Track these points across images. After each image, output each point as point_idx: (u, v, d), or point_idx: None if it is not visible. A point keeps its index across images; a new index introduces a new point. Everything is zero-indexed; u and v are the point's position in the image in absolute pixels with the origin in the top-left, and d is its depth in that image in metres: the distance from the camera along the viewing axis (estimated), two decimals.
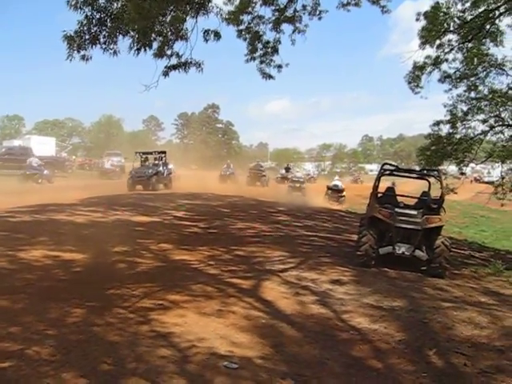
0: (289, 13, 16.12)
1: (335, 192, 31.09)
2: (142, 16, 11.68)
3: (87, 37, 12.92)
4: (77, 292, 6.51)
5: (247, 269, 8.50)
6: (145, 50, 13.06)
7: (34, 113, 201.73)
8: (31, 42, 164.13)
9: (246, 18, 15.94)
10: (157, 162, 30.35)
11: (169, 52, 14.43)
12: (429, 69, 18.69)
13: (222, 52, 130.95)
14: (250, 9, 15.76)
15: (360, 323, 6.01)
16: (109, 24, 12.98)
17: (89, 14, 12.78)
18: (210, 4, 14.16)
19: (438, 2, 16.84)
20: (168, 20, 13.66)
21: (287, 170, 47.05)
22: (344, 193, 31.50)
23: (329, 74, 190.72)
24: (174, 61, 14.55)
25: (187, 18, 14.07)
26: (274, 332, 5.46)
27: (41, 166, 32.17)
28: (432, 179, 10.84)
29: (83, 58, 13.12)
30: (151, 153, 31.68)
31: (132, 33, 12.95)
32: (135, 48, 12.98)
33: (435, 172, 11.12)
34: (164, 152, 30.78)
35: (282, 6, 15.93)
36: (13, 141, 59.83)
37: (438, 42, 17.91)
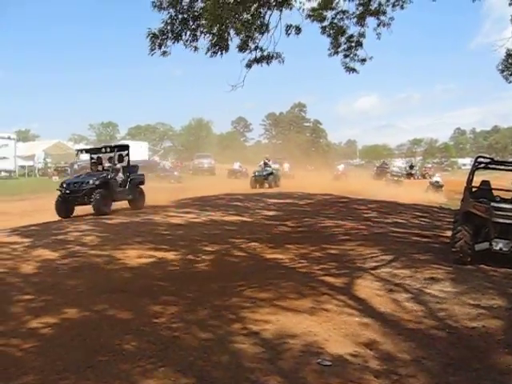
0: (373, 6, 15.90)
1: (436, 187, 36.85)
2: (218, 21, 11.96)
3: (170, 35, 13.50)
4: (171, 290, 6.73)
5: (339, 266, 8.45)
6: (221, 53, 13.39)
7: (127, 119, 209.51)
8: (122, 51, 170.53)
9: (329, 14, 15.89)
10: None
11: (252, 46, 14.69)
12: None
13: (309, 51, 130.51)
14: (333, 4, 15.68)
15: (457, 321, 5.83)
16: (191, 23, 13.46)
17: (173, 14, 13.31)
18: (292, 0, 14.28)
19: None
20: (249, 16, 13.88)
21: (382, 167, 51.63)
22: (443, 187, 36.83)
23: (418, 69, 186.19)
24: (257, 55, 14.84)
25: (271, 13, 14.27)
26: (367, 330, 5.42)
27: (172, 169, 36.50)
28: None
29: (164, 53, 13.82)
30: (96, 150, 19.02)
31: (210, 36, 13.35)
32: (212, 51, 13.35)
33: None
34: (121, 147, 18.73)
35: (366, 0, 15.75)
36: None
37: None
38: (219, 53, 13.46)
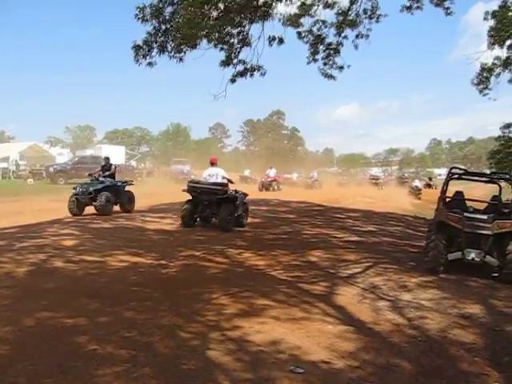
0: (351, 16, 16.16)
1: (415, 190, 43.25)
2: (188, 25, 12.09)
3: (155, 45, 13.59)
4: (145, 295, 6.73)
5: (317, 274, 8.52)
6: (185, 53, 13.55)
7: (105, 123, 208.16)
8: (100, 55, 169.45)
9: (307, 20, 16.10)
10: None
11: (235, 60, 14.85)
12: (498, 70, 18.24)
13: (291, 61, 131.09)
14: (311, 12, 15.89)
15: (430, 330, 5.93)
16: (174, 33, 13.56)
17: (156, 25, 13.37)
18: (273, 11, 14.45)
19: (505, 1, 16.43)
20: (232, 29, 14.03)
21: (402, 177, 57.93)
22: (421, 191, 43.31)
23: (397, 79, 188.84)
24: (240, 68, 14.98)
25: (251, 26, 14.43)
26: (341, 337, 5.47)
27: (189, 172, 41.51)
28: (503, 183, 10.54)
29: (149, 64, 13.94)
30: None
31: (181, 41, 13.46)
32: (179, 54, 13.50)
33: (506, 175, 10.79)
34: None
35: (343, 10, 16.00)
36: (85, 150, 62.07)
37: (508, 42, 17.46)
38: (187, 51, 13.57)
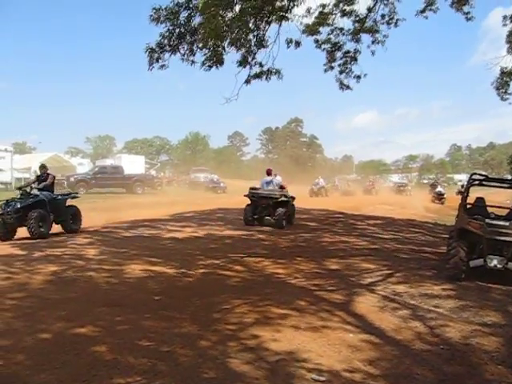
0: (368, 24, 16.15)
1: (439, 195, 43.16)
2: (214, 36, 12.12)
3: (168, 48, 13.67)
4: (167, 305, 6.76)
5: (337, 282, 8.50)
6: (216, 67, 13.54)
7: (125, 132, 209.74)
8: (120, 64, 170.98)
9: (325, 29, 16.14)
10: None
11: (252, 61, 14.88)
12: None
13: (309, 69, 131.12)
14: (329, 21, 15.92)
15: (452, 338, 5.87)
16: (188, 38, 13.64)
17: (170, 28, 13.47)
18: (290, 15, 14.49)
19: None
20: (248, 30, 14.07)
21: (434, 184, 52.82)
22: (445, 195, 43.18)
23: (416, 86, 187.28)
24: (256, 69, 15.03)
25: (269, 28, 14.48)
26: (363, 346, 5.44)
27: (219, 181, 47.71)
28: None
29: (162, 66, 13.99)
30: None
31: (206, 50, 13.53)
32: (207, 65, 13.51)
33: None
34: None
35: (361, 17, 15.99)
36: (105, 160, 62.53)
37: None
38: (214, 66, 13.61)
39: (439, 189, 45.82)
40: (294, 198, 18.08)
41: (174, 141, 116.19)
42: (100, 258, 9.78)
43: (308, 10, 15.40)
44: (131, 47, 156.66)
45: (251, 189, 17.62)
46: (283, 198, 16.81)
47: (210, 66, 13.52)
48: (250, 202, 17.21)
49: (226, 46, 13.52)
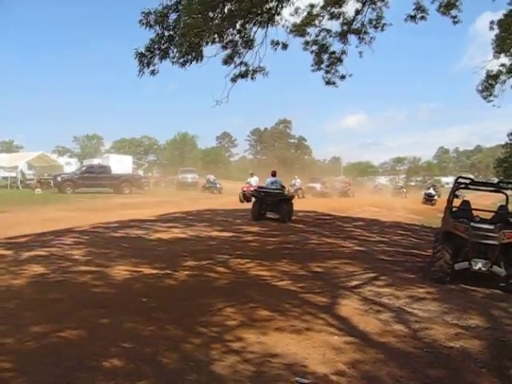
0: (356, 26, 16.27)
1: (429, 197, 44.90)
2: (194, 33, 12.11)
3: (157, 52, 13.63)
4: (151, 307, 6.74)
5: (321, 284, 8.51)
6: (196, 62, 13.56)
7: (112, 132, 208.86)
8: (106, 64, 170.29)
9: (312, 30, 16.22)
10: None
11: (238, 61, 14.93)
12: (503, 77, 18.31)
13: (297, 70, 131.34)
14: (316, 22, 16.00)
15: (435, 341, 5.90)
16: (177, 40, 13.61)
17: (159, 31, 13.44)
18: (278, 17, 14.54)
19: (511, 10, 16.44)
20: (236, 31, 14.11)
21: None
22: (435, 197, 44.67)
23: (404, 88, 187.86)
24: (242, 69, 15.08)
25: (256, 30, 14.51)
26: (347, 348, 5.45)
27: (215, 181, 42.60)
28: (510, 192, 10.50)
29: (152, 72, 13.96)
30: None
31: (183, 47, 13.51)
32: (183, 59, 13.50)
33: None
34: None
35: (349, 20, 16.10)
36: (92, 159, 62.29)
37: None
38: (193, 62, 13.61)
39: (430, 190, 47.49)
40: (293, 197, 21.36)
41: (162, 141, 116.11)
42: (87, 258, 9.72)
43: (296, 10, 15.46)
44: (122, 45, 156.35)
45: (259, 188, 20.79)
46: (286, 196, 20.05)
47: (185, 62, 13.51)
48: (256, 199, 20.02)
49: (206, 43, 13.54)
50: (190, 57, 13.47)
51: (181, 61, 13.69)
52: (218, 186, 49.91)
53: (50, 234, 13.16)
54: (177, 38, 13.45)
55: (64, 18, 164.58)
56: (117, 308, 6.65)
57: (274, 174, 21.17)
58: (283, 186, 20.68)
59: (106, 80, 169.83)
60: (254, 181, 34.12)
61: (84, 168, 43.04)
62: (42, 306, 6.55)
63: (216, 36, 13.37)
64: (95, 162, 54.76)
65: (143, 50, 13.61)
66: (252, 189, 31.78)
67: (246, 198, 32.07)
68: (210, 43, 13.78)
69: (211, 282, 8.47)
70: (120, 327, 5.85)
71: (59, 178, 39.43)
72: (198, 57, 13.53)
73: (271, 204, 19.56)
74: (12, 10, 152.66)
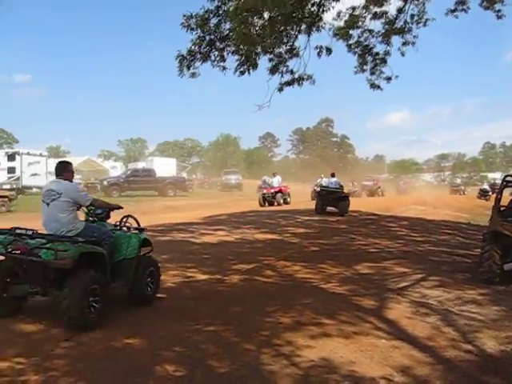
0: (399, 25, 16.08)
1: (484, 193, 44.84)
2: (247, 42, 12.18)
3: (198, 56, 13.80)
4: (202, 311, 6.85)
5: (368, 286, 8.49)
6: (248, 72, 13.62)
7: (156, 135, 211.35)
8: (150, 68, 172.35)
9: (355, 32, 16.11)
10: None
11: (284, 69, 14.98)
12: None
13: (339, 68, 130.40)
14: (359, 23, 15.89)
15: (485, 344, 5.80)
16: (218, 44, 13.76)
17: (201, 34, 13.61)
18: (321, 22, 14.50)
19: None
20: (280, 39, 14.14)
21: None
22: (490, 193, 43.27)
23: (449, 83, 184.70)
24: (288, 77, 15.11)
25: (299, 36, 14.52)
26: (395, 352, 5.43)
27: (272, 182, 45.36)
28: None
29: (193, 75, 14.11)
30: None
31: (237, 56, 13.63)
32: (240, 70, 13.58)
33: None
34: None
35: (391, 18, 15.92)
36: (137, 163, 63.22)
37: None
38: (247, 71, 13.71)
39: (485, 186, 48.56)
40: (349, 195, 25.16)
41: (205, 142, 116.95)
42: None
43: (338, 14, 15.40)
44: (164, 50, 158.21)
45: (322, 187, 25.34)
46: (345, 193, 23.88)
47: (243, 72, 13.61)
48: (319, 196, 23.77)
49: (258, 51, 13.60)
50: (245, 66, 13.59)
51: (238, 71, 13.79)
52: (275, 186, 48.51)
53: None
54: (231, 49, 13.69)
55: (104, 20, 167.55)
56: (166, 312, 6.79)
57: (333, 175, 24.85)
58: (341, 185, 24.15)
59: (149, 81, 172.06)
60: (277, 181, 32.37)
61: (129, 172, 43.86)
62: None
63: (265, 43, 13.42)
64: (140, 165, 55.62)
65: (184, 53, 13.81)
66: (272, 190, 30.81)
67: (266, 200, 30.39)
68: (262, 53, 13.90)
69: (259, 285, 8.54)
70: (170, 331, 5.96)
71: (105, 182, 40.35)
72: (253, 66, 13.63)
73: (332, 200, 22.71)
74: (61, 17, 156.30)
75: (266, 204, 30.00)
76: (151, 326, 6.18)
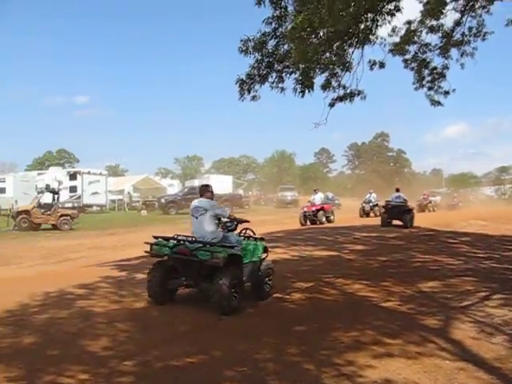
0: (456, 37, 15.89)
1: None
2: (305, 59, 12.26)
3: (257, 78, 14.00)
4: (261, 329, 6.88)
5: (431, 305, 8.33)
6: (309, 91, 13.68)
7: (211, 151, 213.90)
8: (206, 86, 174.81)
9: (412, 47, 16.00)
10: None
11: (335, 84, 15.00)
12: None
13: (393, 82, 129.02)
14: (415, 38, 15.79)
15: None
16: (276, 66, 13.93)
17: (259, 58, 13.80)
18: (373, 36, 14.47)
19: None
20: (333, 54, 14.19)
21: None
22: None
23: (507, 93, 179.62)
24: (340, 92, 15.14)
25: (353, 51, 14.54)
26: (460, 374, 5.30)
27: (334, 198, 47.46)
28: None
29: (253, 98, 14.32)
30: None
31: (296, 75, 13.73)
32: (299, 91, 13.67)
33: None
34: None
35: (448, 31, 15.75)
36: (193, 180, 64.09)
37: None
38: (306, 91, 13.78)
39: None
40: (413, 208, 26.64)
41: (260, 159, 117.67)
42: None
43: (393, 29, 15.36)
44: (220, 68, 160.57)
45: (387, 201, 25.48)
46: (410, 207, 25.08)
47: (303, 91, 13.67)
48: (385, 210, 25.08)
49: (315, 68, 13.67)
50: (303, 86, 13.68)
51: (298, 91, 13.87)
52: (336, 202, 47.51)
53: None
54: (290, 69, 13.86)
55: (152, 33, 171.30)
56: (225, 331, 6.85)
57: (398, 190, 25.90)
58: (406, 200, 25.07)
59: (202, 96, 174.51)
60: (319, 198, 29.88)
61: (186, 189, 44.53)
62: (152, 331, 6.86)
63: (321, 59, 13.50)
64: (196, 182, 56.35)
65: (244, 77, 14.03)
66: (314, 208, 28.40)
67: (307, 219, 28.26)
68: (319, 70, 14.00)
69: (319, 303, 8.52)
70: (230, 350, 6.01)
71: (163, 200, 41.14)
72: (310, 86, 13.70)
73: (397, 213, 24.15)
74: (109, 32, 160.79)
75: (308, 223, 27.99)
76: (212, 342, 6.26)
